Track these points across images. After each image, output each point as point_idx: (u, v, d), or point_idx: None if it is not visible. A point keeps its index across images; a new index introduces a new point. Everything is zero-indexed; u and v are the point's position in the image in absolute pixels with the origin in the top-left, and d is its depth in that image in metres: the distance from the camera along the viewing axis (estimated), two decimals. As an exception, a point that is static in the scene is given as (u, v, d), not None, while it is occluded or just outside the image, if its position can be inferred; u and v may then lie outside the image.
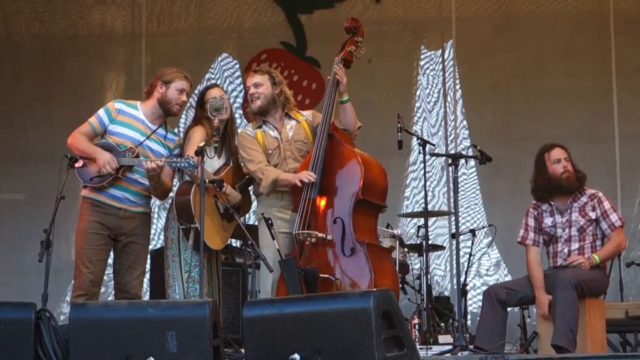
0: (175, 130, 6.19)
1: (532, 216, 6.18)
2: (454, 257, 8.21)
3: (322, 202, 5.64)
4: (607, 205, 6.04)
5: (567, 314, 5.60)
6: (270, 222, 5.60)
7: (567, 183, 6.05)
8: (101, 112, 5.72)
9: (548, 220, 6.10)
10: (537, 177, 6.14)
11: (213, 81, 9.23)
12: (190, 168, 5.42)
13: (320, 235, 5.56)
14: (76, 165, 5.50)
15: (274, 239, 5.57)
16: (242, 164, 5.89)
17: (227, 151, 5.87)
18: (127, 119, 5.70)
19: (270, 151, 5.81)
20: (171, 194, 5.92)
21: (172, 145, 5.80)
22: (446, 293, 8.65)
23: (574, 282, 5.68)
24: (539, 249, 6.11)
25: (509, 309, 6.08)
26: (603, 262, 6.00)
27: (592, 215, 6.01)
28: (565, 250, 6.02)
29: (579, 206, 6.05)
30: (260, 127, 5.87)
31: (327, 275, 5.50)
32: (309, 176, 5.60)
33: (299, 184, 5.60)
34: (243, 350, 4.77)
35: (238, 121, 7.43)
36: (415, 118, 9.33)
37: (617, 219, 6.02)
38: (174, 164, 5.54)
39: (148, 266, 7.02)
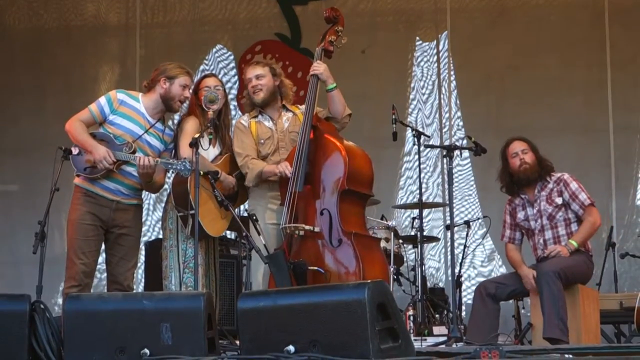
0: (170, 122, 6.17)
1: (507, 212, 6.26)
2: (449, 248, 8.21)
3: (309, 194, 5.62)
4: (574, 186, 6.05)
5: (555, 305, 5.62)
6: (255, 218, 5.59)
7: (525, 175, 6.10)
8: (103, 100, 5.66)
9: (521, 215, 6.16)
10: (501, 174, 6.22)
11: (207, 72, 9.20)
12: (186, 172, 5.38)
13: (307, 227, 5.54)
14: (72, 153, 5.48)
15: (259, 234, 5.57)
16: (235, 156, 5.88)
17: (221, 141, 5.87)
18: (129, 111, 5.67)
19: (262, 140, 5.81)
20: (166, 186, 5.91)
21: (169, 140, 5.79)
22: (441, 284, 8.65)
23: (557, 271, 5.69)
24: (514, 245, 6.22)
25: (502, 302, 6.10)
26: (582, 244, 5.99)
27: (559, 200, 6.03)
28: (541, 241, 6.06)
29: (546, 194, 6.08)
30: (255, 117, 5.87)
31: (316, 268, 5.48)
32: (285, 169, 5.57)
33: (278, 173, 5.59)
34: (238, 342, 4.77)
35: (232, 112, 7.43)
36: (410, 109, 9.33)
37: (586, 197, 6.03)
38: (170, 166, 5.51)
39: (143, 258, 7.04)
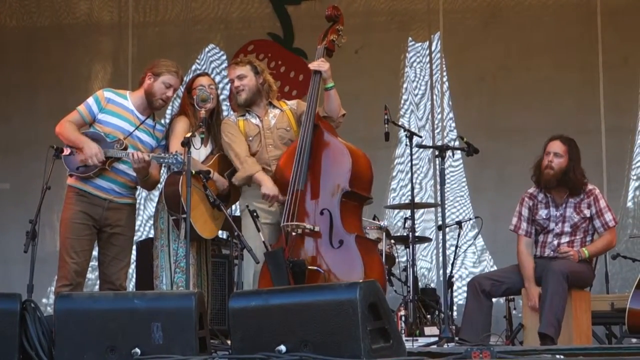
0: (162, 120, 6.16)
1: (526, 206, 6.10)
2: (440, 249, 8.21)
3: (309, 193, 5.61)
4: (602, 204, 6.01)
5: (557, 304, 5.62)
6: (255, 214, 5.58)
7: (544, 179, 5.98)
8: (90, 100, 5.67)
9: (542, 212, 6.04)
10: (536, 164, 6.08)
11: (201, 72, 9.18)
12: (177, 165, 5.38)
13: (308, 227, 5.53)
14: (63, 153, 5.48)
15: (259, 231, 5.55)
16: (225, 151, 5.85)
17: (212, 141, 5.86)
18: (117, 109, 5.66)
19: (250, 138, 5.80)
20: (159, 185, 5.89)
21: (160, 136, 5.78)
22: (432, 285, 8.65)
23: (566, 273, 5.69)
24: (530, 240, 6.07)
25: (494, 299, 6.09)
26: (592, 257, 6.01)
27: (587, 212, 5.98)
28: (555, 243, 6.01)
29: (575, 202, 6.00)
30: (243, 115, 5.87)
31: (315, 268, 5.47)
32: (277, 197, 5.59)
33: (268, 200, 5.61)
34: (229, 342, 4.77)
35: (225, 112, 7.42)
36: (403, 110, 9.33)
37: (611, 218, 6.00)
38: (161, 160, 5.50)
39: (134, 257, 7.02)
